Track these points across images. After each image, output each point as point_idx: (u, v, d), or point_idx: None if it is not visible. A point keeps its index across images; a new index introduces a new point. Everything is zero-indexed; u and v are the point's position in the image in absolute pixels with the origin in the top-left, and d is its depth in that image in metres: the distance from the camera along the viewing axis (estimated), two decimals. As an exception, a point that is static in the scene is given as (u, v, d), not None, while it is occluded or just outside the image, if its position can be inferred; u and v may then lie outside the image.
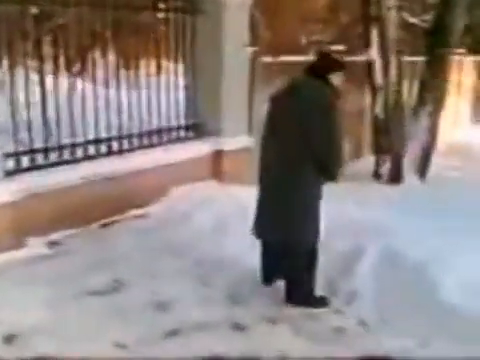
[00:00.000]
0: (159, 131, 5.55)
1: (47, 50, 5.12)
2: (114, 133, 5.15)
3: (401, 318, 3.51)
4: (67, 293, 3.57)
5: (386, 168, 8.01)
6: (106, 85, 5.12)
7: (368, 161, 8.46)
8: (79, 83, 6.16)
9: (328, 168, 3.54)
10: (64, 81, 4.94)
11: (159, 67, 5.85)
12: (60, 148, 4.68)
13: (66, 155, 4.72)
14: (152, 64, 5.94)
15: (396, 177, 7.93)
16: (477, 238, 4.09)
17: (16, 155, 4.34)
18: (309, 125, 3.44)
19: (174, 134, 5.71)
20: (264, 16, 10.91)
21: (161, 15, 5.77)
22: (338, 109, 3.57)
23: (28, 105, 4.43)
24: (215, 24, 5.66)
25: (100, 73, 5.10)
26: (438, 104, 8.20)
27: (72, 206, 4.47)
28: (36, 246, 4.22)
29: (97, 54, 5.66)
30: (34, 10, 4.64)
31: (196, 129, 5.88)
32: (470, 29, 12.06)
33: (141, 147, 5.34)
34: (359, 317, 3.61)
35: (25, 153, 4.43)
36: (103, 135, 5.05)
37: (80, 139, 4.85)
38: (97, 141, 4.96)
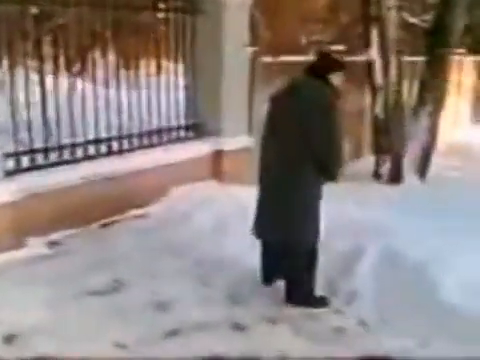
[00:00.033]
0: (159, 131, 5.55)
1: (47, 50, 5.12)
2: (114, 133, 5.15)
3: (401, 318, 3.51)
4: (67, 293, 3.57)
5: (386, 168, 8.00)
6: (106, 85, 5.12)
7: (368, 161, 8.46)
8: (79, 83, 6.16)
9: (328, 168, 3.54)
10: (64, 81, 4.94)
11: (159, 67, 5.85)
12: (60, 148, 4.67)
13: (66, 155, 4.72)
14: (152, 64, 5.94)
15: (396, 177, 7.92)
16: (477, 238, 4.09)
17: (16, 155, 4.34)
18: (309, 125, 3.44)
19: (174, 134, 5.71)
20: (264, 16, 10.90)
21: (161, 15, 5.77)
22: (338, 109, 3.57)
23: (28, 105, 4.43)
24: (215, 24, 5.66)
25: (100, 73, 5.09)
26: (438, 104, 8.20)
27: (72, 206, 4.47)
28: (36, 246, 4.22)
29: (97, 54, 5.66)
30: (34, 10, 4.64)
31: (196, 129, 5.88)
32: (470, 29, 12.06)
33: (141, 147, 5.34)
34: (359, 317, 3.61)
35: (25, 153, 4.43)
36: (103, 135, 5.05)
37: (80, 139, 4.85)
38: (97, 141, 4.96)
